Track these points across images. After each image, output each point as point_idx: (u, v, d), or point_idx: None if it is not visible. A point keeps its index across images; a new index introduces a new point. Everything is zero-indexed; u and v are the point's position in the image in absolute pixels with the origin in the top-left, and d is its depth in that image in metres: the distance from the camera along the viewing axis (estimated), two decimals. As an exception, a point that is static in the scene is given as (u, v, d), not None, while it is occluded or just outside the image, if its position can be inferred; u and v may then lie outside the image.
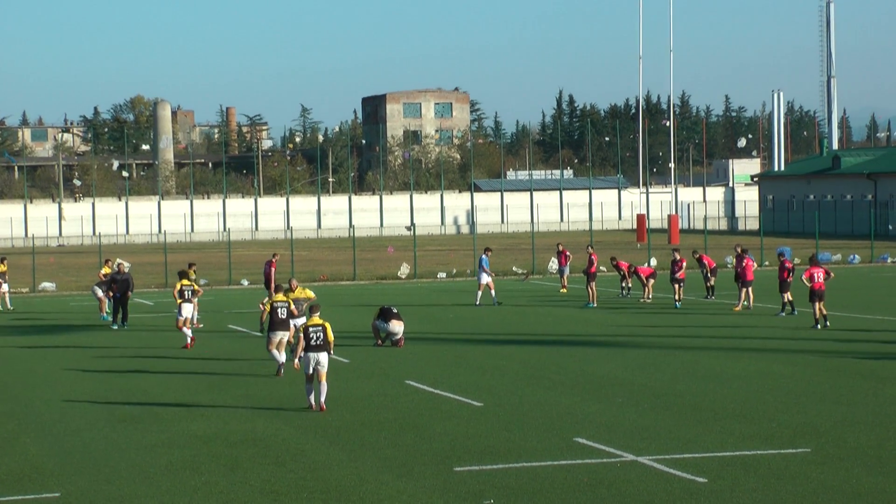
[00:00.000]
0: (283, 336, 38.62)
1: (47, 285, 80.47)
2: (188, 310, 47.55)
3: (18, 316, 61.10)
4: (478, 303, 62.26)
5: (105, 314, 57.42)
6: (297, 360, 32.97)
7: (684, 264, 61.18)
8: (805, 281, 49.10)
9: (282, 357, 37.91)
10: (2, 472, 25.78)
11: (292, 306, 39.14)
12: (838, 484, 22.79)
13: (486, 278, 62.95)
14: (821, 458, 24.95)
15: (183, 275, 49.62)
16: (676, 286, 60.26)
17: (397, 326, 45.20)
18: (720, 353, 41.82)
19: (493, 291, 62.56)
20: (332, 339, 32.92)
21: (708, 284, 62.89)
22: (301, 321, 35.95)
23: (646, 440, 26.90)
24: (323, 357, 32.32)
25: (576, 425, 28.80)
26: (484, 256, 64.05)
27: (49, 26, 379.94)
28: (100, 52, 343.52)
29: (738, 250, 62.04)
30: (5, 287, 65.02)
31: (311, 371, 32.41)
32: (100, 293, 58.60)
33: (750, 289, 57.10)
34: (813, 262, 53.01)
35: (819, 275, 49.53)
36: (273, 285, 52.37)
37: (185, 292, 47.47)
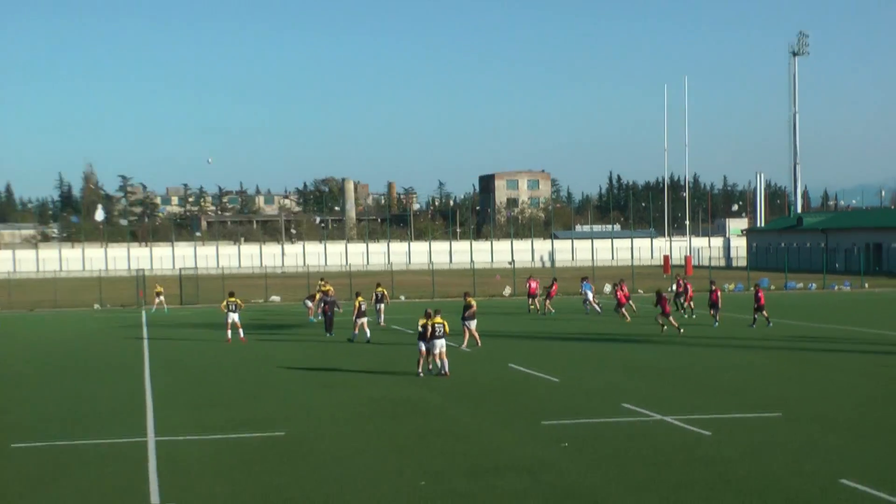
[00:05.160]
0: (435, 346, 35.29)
1: (274, 298, 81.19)
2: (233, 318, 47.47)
3: (257, 317, 61.53)
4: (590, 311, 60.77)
5: (312, 318, 57.47)
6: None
7: (690, 287, 59.64)
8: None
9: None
10: (248, 416, 26.32)
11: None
12: (801, 437, 22.73)
13: (591, 296, 61.53)
14: (788, 419, 24.95)
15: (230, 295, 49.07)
16: (686, 306, 58.09)
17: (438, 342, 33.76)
18: (718, 349, 41.52)
19: (595, 305, 61.13)
20: (448, 331, 34.17)
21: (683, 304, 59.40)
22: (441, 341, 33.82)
23: (669, 405, 26.90)
24: (442, 342, 33.31)
25: (623, 395, 28.79)
26: (586, 282, 63.04)
27: (277, 120, 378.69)
28: (309, 143, 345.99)
29: (680, 281, 61.42)
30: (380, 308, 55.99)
31: (436, 351, 33.27)
32: (309, 304, 58.69)
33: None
34: (757, 288, 53.78)
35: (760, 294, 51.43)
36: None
37: (231, 305, 47.57)
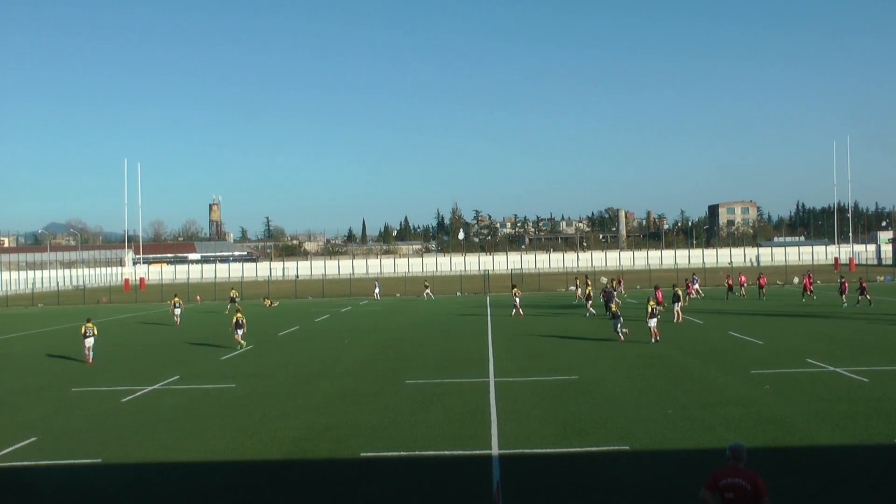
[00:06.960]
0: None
1: (572, 288, 79.33)
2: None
3: (552, 301, 61.18)
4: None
5: (583, 304, 56.09)
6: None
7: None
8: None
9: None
10: (553, 365, 26.28)
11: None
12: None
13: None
14: (933, 373, 23.05)
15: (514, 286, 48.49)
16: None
17: (651, 321, 31.80)
18: (866, 322, 38.40)
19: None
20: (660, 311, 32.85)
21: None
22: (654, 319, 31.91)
23: (838, 360, 25.38)
24: (654, 320, 31.81)
25: (806, 353, 27.31)
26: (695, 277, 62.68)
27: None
28: (597, 183, 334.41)
29: (687, 281, 58.13)
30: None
31: (652, 325, 31.81)
32: (578, 290, 58.41)
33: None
34: (861, 279, 50.30)
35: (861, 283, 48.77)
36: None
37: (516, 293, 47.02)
